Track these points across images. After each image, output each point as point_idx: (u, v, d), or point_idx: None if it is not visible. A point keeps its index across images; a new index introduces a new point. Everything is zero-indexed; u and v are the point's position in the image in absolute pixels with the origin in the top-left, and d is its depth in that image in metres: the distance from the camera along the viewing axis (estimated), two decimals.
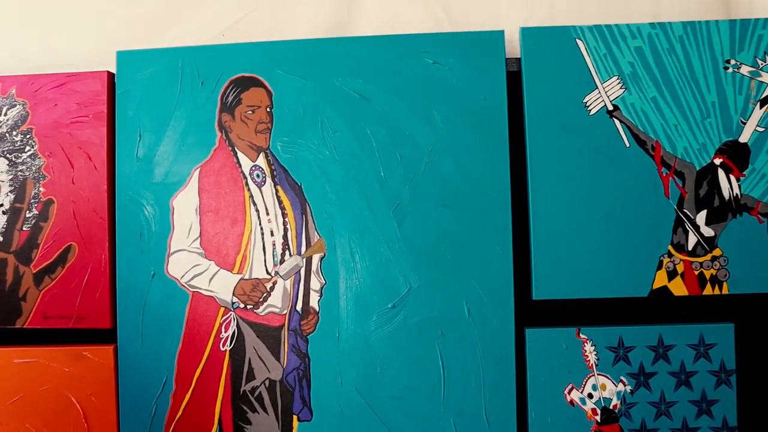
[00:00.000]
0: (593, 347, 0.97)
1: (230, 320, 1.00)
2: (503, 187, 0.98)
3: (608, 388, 0.97)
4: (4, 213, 1.04)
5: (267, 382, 1.00)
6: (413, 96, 0.99)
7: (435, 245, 0.98)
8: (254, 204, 1.00)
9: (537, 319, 1.00)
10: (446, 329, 0.98)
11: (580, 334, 0.97)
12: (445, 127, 0.99)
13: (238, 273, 1.00)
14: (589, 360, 0.97)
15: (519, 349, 0.98)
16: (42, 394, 1.03)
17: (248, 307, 1.00)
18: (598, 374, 0.97)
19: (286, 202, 1.00)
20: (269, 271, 1.00)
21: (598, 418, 0.97)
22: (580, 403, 0.97)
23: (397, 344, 0.98)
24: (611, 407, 0.97)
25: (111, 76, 1.05)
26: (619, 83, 0.98)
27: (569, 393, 0.97)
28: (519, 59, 1.00)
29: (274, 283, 1.00)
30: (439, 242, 0.98)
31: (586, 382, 0.97)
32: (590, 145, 0.97)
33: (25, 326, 1.04)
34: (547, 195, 0.97)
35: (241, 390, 1.01)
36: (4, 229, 1.04)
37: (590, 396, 0.97)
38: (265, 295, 1.00)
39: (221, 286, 1.00)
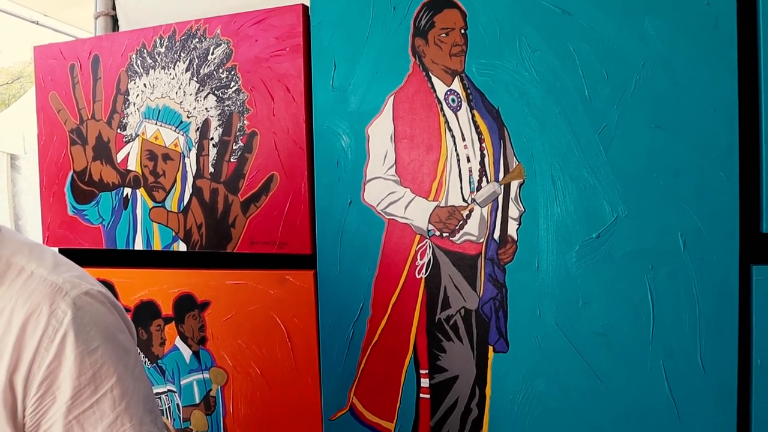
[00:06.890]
0: None
1: (426, 248, 1.00)
2: (730, 104, 0.86)
3: None
4: (214, 146, 1.12)
5: (462, 311, 0.99)
6: (621, 6, 0.90)
7: (646, 171, 0.89)
8: (449, 130, 0.98)
9: (767, 254, 0.88)
10: (657, 263, 0.90)
11: None
12: (659, 39, 0.88)
13: (433, 200, 0.99)
14: None
15: (743, 288, 0.87)
16: (250, 313, 1.12)
17: (444, 234, 0.99)
18: None
19: (483, 127, 0.96)
20: (466, 198, 0.97)
21: None
22: None
23: (602, 277, 0.92)
24: None
25: (305, 9, 1.07)
26: None
27: None
28: None
29: (471, 211, 0.97)
30: (651, 167, 0.89)
31: None
32: None
33: (234, 251, 1.12)
34: None
35: (436, 318, 1.01)
36: (214, 161, 1.13)
37: None
38: (461, 222, 0.98)
39: (417, 213, 1.00)
